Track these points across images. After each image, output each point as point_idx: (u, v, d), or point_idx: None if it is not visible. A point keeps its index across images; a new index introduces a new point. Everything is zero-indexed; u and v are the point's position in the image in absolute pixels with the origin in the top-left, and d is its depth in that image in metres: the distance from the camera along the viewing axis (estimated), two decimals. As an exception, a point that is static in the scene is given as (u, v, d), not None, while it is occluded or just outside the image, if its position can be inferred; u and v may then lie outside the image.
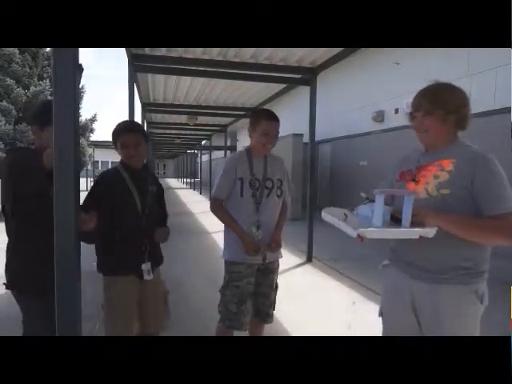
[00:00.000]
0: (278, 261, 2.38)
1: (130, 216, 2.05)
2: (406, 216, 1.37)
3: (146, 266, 2.07)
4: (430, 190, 1.51)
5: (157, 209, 2.22)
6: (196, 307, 3.78)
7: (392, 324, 1.70)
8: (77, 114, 1.31)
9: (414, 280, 1.55)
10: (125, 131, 2.06)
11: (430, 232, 1.35)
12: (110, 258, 2.04)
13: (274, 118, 2.26)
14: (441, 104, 1.51)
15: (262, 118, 2.25)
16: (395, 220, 1.42)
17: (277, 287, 2.42)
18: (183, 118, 11.94)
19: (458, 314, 1.48)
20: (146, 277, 2.07)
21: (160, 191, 2.30)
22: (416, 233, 1.35)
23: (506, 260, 5.58)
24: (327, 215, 1.55)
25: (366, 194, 1.53)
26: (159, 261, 2.24)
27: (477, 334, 1.50)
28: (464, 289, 1.47)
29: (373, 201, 1.42)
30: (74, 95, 1.28)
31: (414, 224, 1.37)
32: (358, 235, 1.32)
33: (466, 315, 1.49)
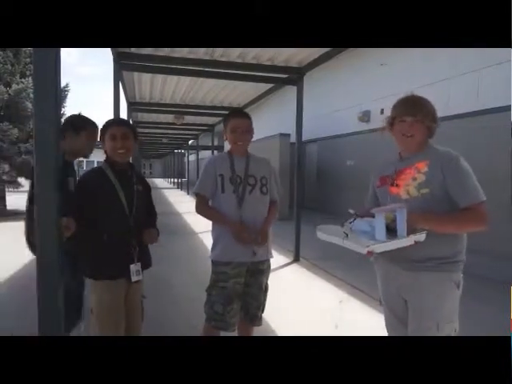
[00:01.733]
0: (268, 261, 2.36)
1: (117, 217, 2.00)
2: (401, 227, 1.53)
3: (134, 267, 2.03)
4: (411, 191, 1.67)
5: (144, 209, 2.17)
6: (183, 307, 3.76)
7: (388, 310, 1.87)
8: (58, 116, 1.29)
9: (398, 268, 1.73)
10: (113, 124, 2.08)
11: (421, 237, 1.56)
12: (97, 261, 1.99)
13: (240, 115, 2.32)
14: (431, 113, 1.70)
15: (229, 117, 2.31)
16: (388, 229, 1.57)
17: (266, 289, 2.39)
18: (170, 118, 11.84)
19: (438, 299, 1.64)
20: (134, 278, 2.03)
21: (147, 190, 2.25)
22: (412, 239, 1.54)
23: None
24: (324, 235, 1.68)
25: (353, 210, 1.68)
26: (148, 263, 2.20)
27: (455, 317, 1.67)
28: (442, 276, 1.64)
29: (361, 216, 1.62)
30: (55, 97, 1.25)
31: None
32: (368, 251, 1.47)
33: (445, 300, 1.65)
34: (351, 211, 1.67)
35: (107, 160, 2.07)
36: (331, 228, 1.72)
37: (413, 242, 1.54)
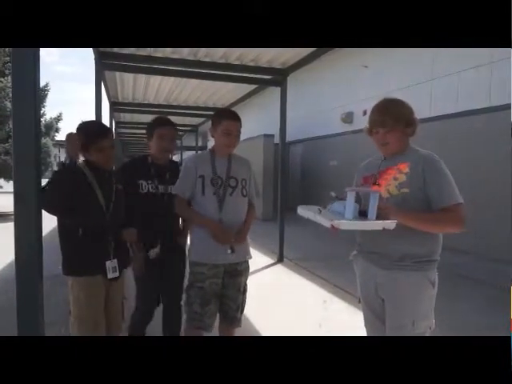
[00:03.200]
0: (246, 262, 2.33)
1: (93, 213, 2.00)
2: (372, 211, 1.58)
3: (110, 264, 2.02)
4: (391, 190, 1.72)
5: (124, 208, 2.17)
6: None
7: (366, 308, 1.92)
8: (38, 116, 1.27)
9: (376, 267, 1.78)
10: (101, 136, 2.02)
11: (390, 225, 1.56)
12: (74, 257, 1.99)
13: (235, 118, 2.21)
14: (402, 119, 1.73)
15: (223, 117, 2.20)
16: (363, 215, 1.62)
17: (245, 290, 2.36)
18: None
19: (415, 298, 1.69)
20: (110, 275, 2.02)
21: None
22: (380, 225, 1.57)
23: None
24: (303, 210, 1.72)
25: (335, 193, 1.71)
26: (127, 261, 2.20)
27: (431, 314, 1.71)
28: (418, 275, 1.68)
29: (342, 199, 1.63)
30: (34, 96, 1.23)
31: (379, 218, 1.58)
32: (332, 226, 1.50)
33: (421, 298, 1.70)
34: (333, 194, 1.71)
35: (87, 161, 2.05)
36: (311, 208, 1.74)
37: (380, 228, 1.56)
